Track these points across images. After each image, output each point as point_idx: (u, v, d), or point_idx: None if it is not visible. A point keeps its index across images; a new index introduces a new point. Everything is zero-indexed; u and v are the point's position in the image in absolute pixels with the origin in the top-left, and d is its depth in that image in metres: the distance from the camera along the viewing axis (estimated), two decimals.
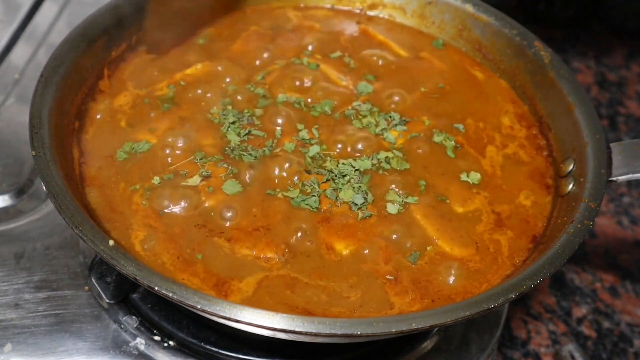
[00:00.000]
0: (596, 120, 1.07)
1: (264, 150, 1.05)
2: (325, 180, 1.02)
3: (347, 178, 1.02)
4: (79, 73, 1.08)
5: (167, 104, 1.12)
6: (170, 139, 1.04)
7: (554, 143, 1.13)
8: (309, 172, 1.03)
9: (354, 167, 1.03)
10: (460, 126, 1.13)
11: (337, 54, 1.25)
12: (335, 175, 1.02)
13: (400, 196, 1.01)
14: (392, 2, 1.34)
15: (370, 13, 1.36)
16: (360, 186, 1.01)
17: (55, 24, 1.52)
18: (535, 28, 2.10)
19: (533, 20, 2.14)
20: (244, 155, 1.04)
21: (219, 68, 1.18)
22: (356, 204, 0.99)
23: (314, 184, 1.01)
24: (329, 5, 1.37)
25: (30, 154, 0.91)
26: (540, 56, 1.19)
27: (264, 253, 0.93)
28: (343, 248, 0.96)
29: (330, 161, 1.05)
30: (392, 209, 1.00)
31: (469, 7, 1.28)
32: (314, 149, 1.06)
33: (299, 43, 1.26)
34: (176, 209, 0.97)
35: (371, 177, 1.03)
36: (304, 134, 1.08)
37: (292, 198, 0.99)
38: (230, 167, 1.02)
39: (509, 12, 1.27)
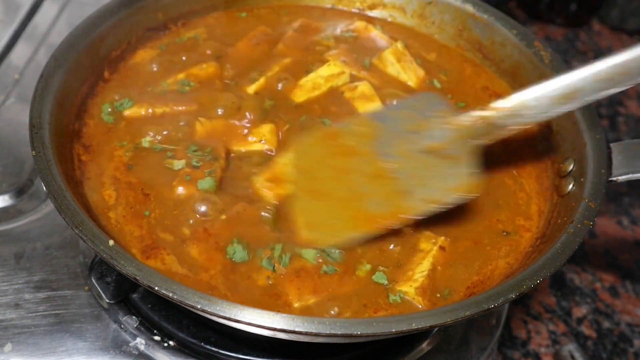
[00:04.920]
0: (596, 120, 1.07)
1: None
2: None
3: None
4: (79, 73, 1.08)
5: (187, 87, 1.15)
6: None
7: (554, 143, 1.13)
8: None
9: None
10: None
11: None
12: None
13: None
14: (392, 2, 1.34)
15: (370, 13, 1.36)
16: None
17: (55, 24, 1.52)
18: (535, 27, 2.12)
19: (533, 19, 2.15)
20: None
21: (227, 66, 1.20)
22: None
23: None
24: (329, 5, 1.37)
25: (30, 154, 0.91)
26: (540, 56, 1.19)
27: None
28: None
29: None
30: None
31: (469, 7, 1.28)
32: None
33: (304, 43, 1.27)
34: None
35: None
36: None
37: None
38: (215, 164, 1.01)
39: (509, 12, 1.27)
